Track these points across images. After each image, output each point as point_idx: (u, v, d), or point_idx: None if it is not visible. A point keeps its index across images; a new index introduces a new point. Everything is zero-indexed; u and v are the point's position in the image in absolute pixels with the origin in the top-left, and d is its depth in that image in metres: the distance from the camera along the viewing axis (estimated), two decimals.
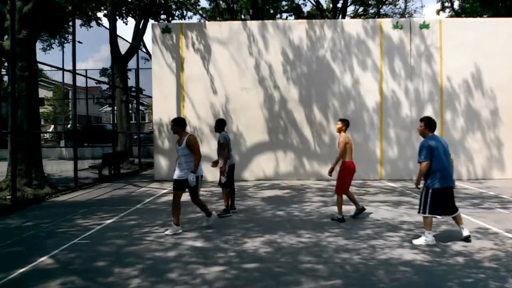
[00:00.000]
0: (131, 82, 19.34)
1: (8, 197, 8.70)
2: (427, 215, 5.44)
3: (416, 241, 5.46)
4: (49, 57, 29.17)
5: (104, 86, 30.03)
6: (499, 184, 11.07)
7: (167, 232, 6.06)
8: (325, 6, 28.78)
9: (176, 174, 6.12)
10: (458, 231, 6.10)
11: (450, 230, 6.09)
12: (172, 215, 6.22)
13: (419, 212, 5.54)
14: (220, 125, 7.51)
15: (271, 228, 6.41)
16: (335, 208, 7.78)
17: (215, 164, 7.59)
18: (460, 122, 12.42)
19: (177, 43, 12.74)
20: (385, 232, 6.07)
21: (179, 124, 6.21)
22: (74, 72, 11.28)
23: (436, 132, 5.70)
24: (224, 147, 7.25)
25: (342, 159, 6.81)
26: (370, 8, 28.60)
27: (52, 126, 37.16)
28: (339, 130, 6.93)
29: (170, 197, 9.52)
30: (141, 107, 26.01)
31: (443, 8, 28.26)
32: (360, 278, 4.27)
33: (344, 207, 6.96)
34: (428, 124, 5.57)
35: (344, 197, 6.96)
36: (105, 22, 25.35)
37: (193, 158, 6.04)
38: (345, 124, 6.96)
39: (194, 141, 6.10)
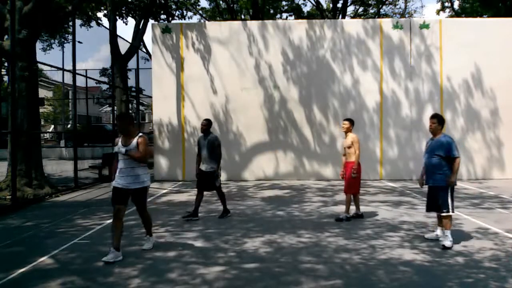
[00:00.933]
0: (131, 82, 19.36)
1: (8, 197, 8.70)
2: (454, 212, 5.47)
3: (447, 243, 5.23)
4: (49, 57, 29.22)
5: (104, 86, 30.04)
6: (499, 184, 11.07)
7: (148, 247, 5.25)
8: (325, 6, 28.79)
9: (120, 182, 4.95)
10: (457, 230, 6.12)
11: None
12: (112, 237, 4.95)
13: (447, 212, 5.36)
14: (210, 126, 7.17)
15: (271, 228, 6.41)
16: (335, 208, 7.80)
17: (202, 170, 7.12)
18: (460, 122, 12.42)
19: (177, 43, 12.74)
20: (385, 232, 6.06)
21: (131, 121, 5.23)
22: (74, 72, 11.28)
23: None
24: (219, 149, 7.06)
25: (349, 159, 6.81)
26: (370, 8, 28.60)
27: (52, 126, 37.15)
28: (348, 130, 6.88)
29: (170, 197, 9.57)
30: (141, 107, 25.99)
31: (443, 8, 28.25)
32: (360, 278, 4.27)
33: (342, 208, 6.96)
34: (442, 122, 5.57)
35: (344, 196, 6.96)
36: (105, 22, 25.35)
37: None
38: (352, 123, 6.97)
39: (146, 143, 5.04)
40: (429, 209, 5.70)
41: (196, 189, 7.26)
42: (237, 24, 13.34)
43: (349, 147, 6.81)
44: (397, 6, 30.07)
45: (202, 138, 7.14)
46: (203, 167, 7.08)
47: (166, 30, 12.76)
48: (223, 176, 12.46)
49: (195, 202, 7.14)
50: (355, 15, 28.65)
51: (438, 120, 5.54)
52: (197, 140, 7.34)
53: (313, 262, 4.74)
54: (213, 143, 7.01)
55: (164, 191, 10.59)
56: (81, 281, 4.24)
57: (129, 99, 18.46)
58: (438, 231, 5.62)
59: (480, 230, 6.13)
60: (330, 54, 12.59)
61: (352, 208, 7.03)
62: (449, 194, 5.38)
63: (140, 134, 5.08)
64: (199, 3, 25.76)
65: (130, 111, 20.99)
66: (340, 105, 12.55)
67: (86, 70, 21.83)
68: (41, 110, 18.42)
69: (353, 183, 6.78)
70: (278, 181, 12.12)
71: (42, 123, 31.66)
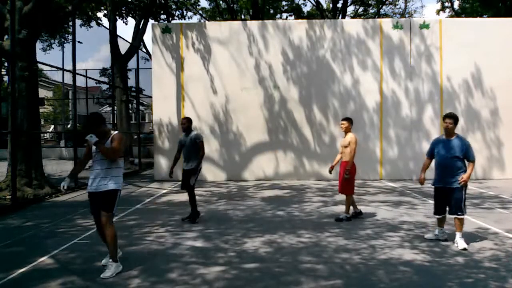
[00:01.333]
0: (131, 82, 19.34)
1: (8, 197, 8.69)
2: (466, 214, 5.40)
3: (465, 245, 5.17)
4: (49, 57, 29.20)
5: (104, 86, 30.01)
6: (499, 184, 11.07)
7: (106, 275, 4.31)
8: (325, 6, 28.78)
9: (93, 186, 4.55)
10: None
11: (450, 230, 6.09)
12: (111, 247, 4.50)
13: (462, 214, 5.28)
14: (190, 123, 7.04)
15: (271, 228, 6.40)
16: (335, 208, 7.79)
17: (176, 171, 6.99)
18: (460, 122, 12.30)
19: (177, 43, 12.74)
20: (385, 232, 6.06)
21: (101, 121, 4.62)
22: (74, 72, 11.28)
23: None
24: (202, 146, 6.84)
25: (344, 159, 6.80)
26: (370, 8, 28.59)
27: (52, 126, 37.14)
28: (347, 130, 6.84)
29: (170, 197, 9.56)
30: (141, 107, 26.00)
31: (443, 8, 28.24)
32: (360, 278, 4.26)
33: (342, 208, 6.97)
34: (457, 122, 5.40)
35: (343, 197, 6.96)
36: (105, 22, 25.34)
37: (119, 163, 4.59)
38: (351, 122, 6.93)
39: (121, 139, 4.57)
40: (440, 212, 5.51)
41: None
42: (237, 24, 13.34)
43: (345, 147, 6.78)
44: (397, 6, 30.09)
45: (184, 136, 6.97)
46: (184, 165, 6.92)
47: (166, 30, 12.76)
48: (223, 176, 12.56)
49: (190, 203, 6.99)
50: (355, 15, 28.64)
51: (454, 120, 5.35)
52: (178, 140, 7.11)
53: (313, 262, 4.74)
54: (196, 140, 6.84)
55: (164, 191, 10.59)
56: (81, 281, 4.24)
57: (129, 99, 18.45)
58: (437, 231, 5.63)
59: (480, 230, 6.13)
60: (330, 54, 12.59)
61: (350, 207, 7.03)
62: (464, 195, 5.30)
63: (116, 131, 4.64)
64: (199, 3, 25.76)
65: (130, 111, 20.98)
66: (340, 105, 12.55)
67: (86, 70, 21.77)
68: (41, 110, 18.43)
69: (347, 184, 6.77)
70: (278, 181, 12.12)
71: (42, 123, 31.65)
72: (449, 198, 5.36)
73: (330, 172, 7.12)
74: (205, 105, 12.63)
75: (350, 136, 6.77)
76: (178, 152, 7.04)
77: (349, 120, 6.94)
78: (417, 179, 12.12)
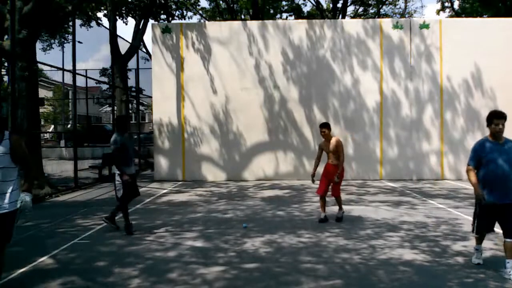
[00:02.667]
0: (131, 82, 19.35)
1: None
2: None
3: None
4: (49, 57, 29.17)
5: (104, 86, 30.02)
6: None
7: None
8: (325, 6, 28.80)
9: None
10: (456, 230, 6.11)
11: (450, 230, 6.10)
12: None
13: None
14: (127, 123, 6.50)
15: (271, 228, 6.41)
16: (335, 208, 7.78)
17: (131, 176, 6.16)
18: (460, 122, 12.41)
19: (177, 43, 12.73)
20: (385, 232, 6.06)
21: None
22: (74, 72, 11.28)
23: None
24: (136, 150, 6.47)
25: (334, 162, 6.86)
26: (370, 8, 28.60)
27: (52, 126, 37.13)
28: (328, 135, 6.88)
29: (170, 197, 9.56)
30: (141, 107, 25.99)
31: (443, 8, 28.24)
32: (360, 278, 4.27)
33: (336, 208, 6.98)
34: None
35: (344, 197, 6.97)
36: (105, 22, 25.34)
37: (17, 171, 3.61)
38: (330, 128, 6.99)
39: (21, 142, 3.66)
40: (491, 228, 4.59)
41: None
42: (237, 24, 13.34)
43: (333, 152, 6.81)
44: (397, 6, 30.08)
45: (128, 138, 6.26)
46: (128, 170, 6.14)
47: (166, 30, 12.76)
48: (223, 176, 12.56)
49: (126, 216, 6.23)
50: (355, 15, 28.65)
51: (506, 120, 4.43)
52: (120, 140, 6.06)
53: (313, 262, 4.74)
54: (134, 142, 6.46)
55: (164, 191, 10.58)
56: (81, 281, 4.24)
57: (129, 99, 18.46)
58: (479, 249, 4.67)
59: None
60: (330, 54, 12.59)
61: (346, 208, 7.03)
62: None
63: (12, 133, 3.67)
64: (199, 3, 25.77)
65: (130, 111, 21.00)
66: (340, 105, 12.55)
67: (86, 70, 21.74)
68: (41, 110, 18.40)
69: (338, 186, 6.87)
70: (278, 181, 12.12)
71: (42, 123, 31.63)
72: (507, 215, 4.40)
73: (313, 181, 7.06)
74: (205, 105, 12.63)
75: (336, 140, 6.83)
76: (127, 155, 6.15)
77: (328, 126, 6.97)
78: (417, 179, 12.17)
